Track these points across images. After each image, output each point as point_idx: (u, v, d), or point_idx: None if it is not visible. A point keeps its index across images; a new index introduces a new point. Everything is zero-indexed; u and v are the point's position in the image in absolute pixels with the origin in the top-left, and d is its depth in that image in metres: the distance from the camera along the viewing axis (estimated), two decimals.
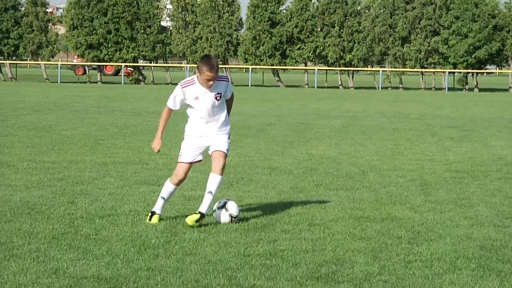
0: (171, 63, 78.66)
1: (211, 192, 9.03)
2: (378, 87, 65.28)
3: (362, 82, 74.48)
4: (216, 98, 9.03)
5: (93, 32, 66.91)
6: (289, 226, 9.11)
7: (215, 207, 9.29)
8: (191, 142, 9.19)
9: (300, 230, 8.94)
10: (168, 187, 9.28)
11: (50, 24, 70.34)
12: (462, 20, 64.57)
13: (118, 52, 67.27)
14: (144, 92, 49.53)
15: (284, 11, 67.42)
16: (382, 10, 66.42)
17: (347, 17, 66.17)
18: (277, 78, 67.83)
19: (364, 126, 24.51)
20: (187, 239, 8.36)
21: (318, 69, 67.47)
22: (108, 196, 10.88)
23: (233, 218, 9.18)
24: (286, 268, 7.28)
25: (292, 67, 69.07)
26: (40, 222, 9.02)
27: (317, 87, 64.70)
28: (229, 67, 69.57)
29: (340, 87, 65.83)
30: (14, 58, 69.73)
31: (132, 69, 69.77)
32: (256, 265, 7.36)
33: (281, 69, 68.24)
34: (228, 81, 9.22)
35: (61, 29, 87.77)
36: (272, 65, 66.40)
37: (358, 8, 66.99)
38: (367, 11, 67.47)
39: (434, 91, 62.94)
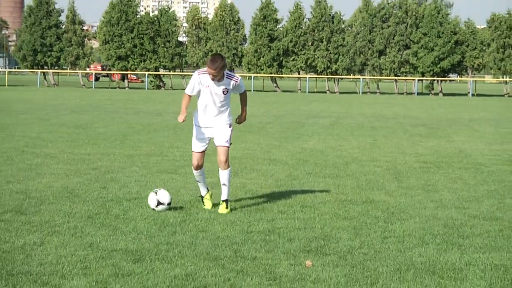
0: (187, 71, 78.46)
1: (225, 184, 8.89)
2: (359, 92, 65.20)
3: (345, 88, 74.40)
4: (223, 92, 8.84)
5: (122, 46, 66.94)
6: (285, 208, 9.09)
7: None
8: (198, 133, 8.99)
9: (294, 211, 8.92)
10: (194, 173, 9.16)
11: (86, 39, 70.40)
12: (429, 36, 64.57)
13: (142, 63, 67.34)
14: (164, 96, 49.46)
15: (281, 28, 67.38)
16: (362, 28, 66.40)
17: (333, 34, 66.13)
18: (274, 85, 67.80)
19: (347, 124, 24.47)
20: (200, 218, 8.34)
21: (309, 77, 67.37)
22: (134, 182, 10.86)
23: (161, 204, 8.68)
24: (282, 243, 7.27)
25: (287, 75, 69.00)
26: (77, 204, 9.01)
27: (308, 92, 64.63)
28: None
29: (327, 92, 65.75)
30: (56, 67, 69.70)
31: (135, 76, 73.78)
32: (257, 240, 7.34)
33: (278, 77, 68.15)
34: (236, 81, 8.85)
35: (95, 44, 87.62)
36: (271, 73, 66.35)
37: (343, 26, 66.96)
38: (350, 28, 67.43)
39: (405, 96, 62.82)
